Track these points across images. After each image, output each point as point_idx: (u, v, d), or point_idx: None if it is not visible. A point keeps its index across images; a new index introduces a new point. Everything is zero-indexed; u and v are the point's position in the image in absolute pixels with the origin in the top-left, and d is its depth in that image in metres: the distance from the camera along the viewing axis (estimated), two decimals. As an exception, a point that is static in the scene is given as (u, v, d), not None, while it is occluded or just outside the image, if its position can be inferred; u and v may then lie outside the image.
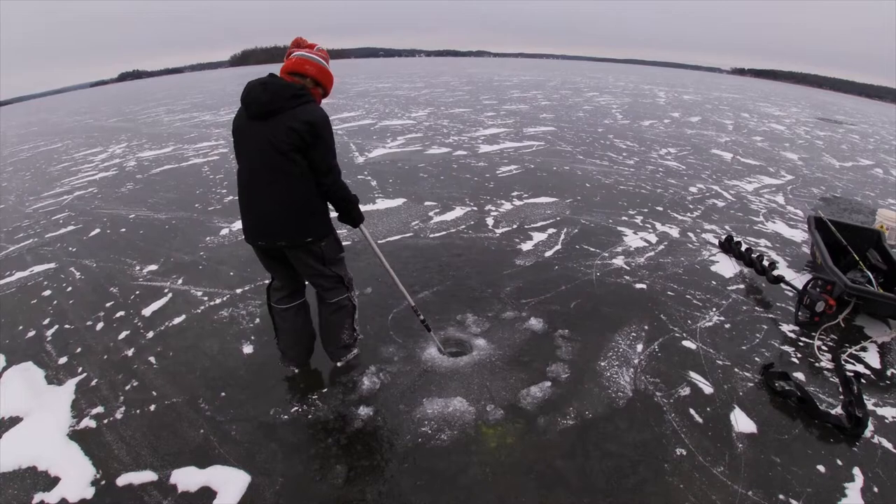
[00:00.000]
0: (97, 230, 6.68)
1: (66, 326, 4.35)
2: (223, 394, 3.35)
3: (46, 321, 4.46)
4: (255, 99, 2.78)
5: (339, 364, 3.61)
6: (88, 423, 3.18)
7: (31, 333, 4.28)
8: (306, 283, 3.41)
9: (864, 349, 4.00)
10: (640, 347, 3.82)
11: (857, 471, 2.81)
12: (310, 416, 3.10)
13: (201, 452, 2.88)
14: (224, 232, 6.20)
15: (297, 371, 3.58)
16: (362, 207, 3.30)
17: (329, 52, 3.15)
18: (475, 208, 6.92)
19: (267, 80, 2.82)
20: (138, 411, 3.24)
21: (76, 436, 3.08)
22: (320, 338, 3.55)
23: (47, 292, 5.00)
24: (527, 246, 5.65)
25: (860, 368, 3.75)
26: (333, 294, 3.31)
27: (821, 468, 2.81)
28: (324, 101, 3.14)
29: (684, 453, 2.85)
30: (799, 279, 4.91)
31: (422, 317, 3.64)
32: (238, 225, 6.35)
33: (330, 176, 2.96)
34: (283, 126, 2.72)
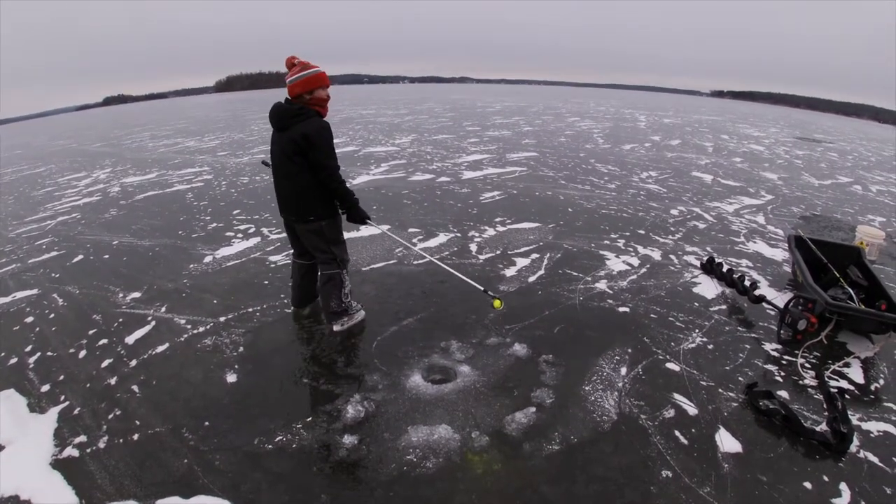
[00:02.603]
0: (80, 256, 6.62)
1: (49, 354, 4.30)
2: (207, 423, 3.31)
3: (29, 348, 4.40)
4: (272, 118, 3.92)
5: (335, 328, 4.38)
6: (71, 451, 3.13)
7: (14, 360, 4.22)
8: None
9: (847, 365, 4.05)
10: (623, 371, 3.84)
11: (843, 486, 2.84)
12: (294, 446, 3.08)
13: (185, 482, 2.85)
14: (207, 259, 6.17)
15: (292, 309, 4.80)
16: (346, 234, 3.95)
17: None
18: (459, 234, 6.95)
19: (278, 106, 3.89)
20: (121, 440, 3.20)
21: (59, 465, 3.04)
22: (320, 303, 4.48)
23: (30, 319, 4.94)
24: (510, 272, 5.67)
25: (844, 384, 3.80)
26: (325, 267, 4.23)
27: (807, 485, 2.83)
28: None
29: (670, 475, 2.86)
30: (780, 298, 4.96)
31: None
32: (221, 252, 6.41)
33: (323, 172, 3.83)
34: (289, 137, 3.78)
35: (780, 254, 6.50)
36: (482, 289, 4.40)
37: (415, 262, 5.90)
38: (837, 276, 5.03)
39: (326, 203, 4.02)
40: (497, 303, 4.15)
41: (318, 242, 4.13)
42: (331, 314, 4.35)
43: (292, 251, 4.56)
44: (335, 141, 3.96)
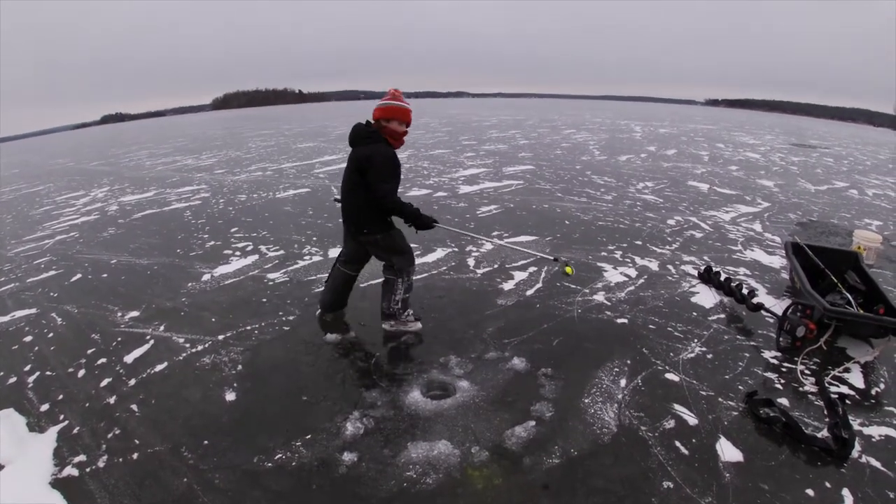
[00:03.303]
0: (79, 275, 6.62)
1: (48, 373, 4.29)
2: (206, 441, 3.30)
3: (28, 367, 4.39)
4: (350, 137, 4.27)
5: (383, 326, 4.68)
6: (71, 471, 3.11)
7: (13, 380, 4.21)
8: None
9: (847, 370, 4.05)
10: (623, 382, 3.83)
11: (846, 492, 2.83)
12: (294, 464, 3.07)
13: (185, 501, 2.83)
14: (206, 278, 6.17)
15: (318, 312, 5.00)
16: None
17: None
18: (456, 249, 6.95)
19: (356, 126, 4.27)
20: (121, 459, 3.19)
21: (59, 484, 3.02)
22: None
23: (28, 338, 4.93)
24: (508, 285, 5.67)
25: (844, 390, 3.79)
26: (385, 271, 4.58)
27: (810, 492, 2.82)
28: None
29: (671, 486, 2.85)
30: (779, 305, 4.96)
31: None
32: (219, 271, 6.40)
33: (377, 193, 4.08)
34: (355, 156, 4.15)
35: (777, 261, 6.51)
36: (552, 258, 4.89)
37: (413, 278, 5.87)
38: (835, 281, 5.04)
39: (380, 219, 4.29)
40: (569, 269, 4.51)
41: (378, 252, 4.48)
42: (384, 315, 4.64)
43: (340, 257, 4.78)
44: (403, 167, 4.32)
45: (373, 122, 4.27)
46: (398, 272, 4.47)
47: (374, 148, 4.08)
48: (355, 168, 4.11)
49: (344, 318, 4.95)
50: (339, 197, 4.59)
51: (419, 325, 4.71)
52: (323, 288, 5.12)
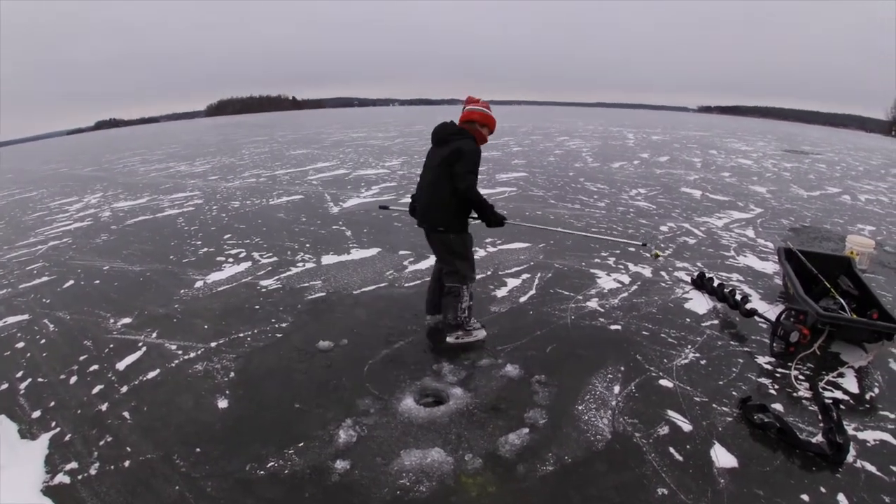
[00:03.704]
0: (71, 281, 6.58)
1: (40, 379, 4.26)
2: (198, 449, 3.28)
3: (20, 374, 4.37)
4: (434, 135, 4.43)
5: (448, 340, 4.52)
6: (62, 478, 3.10)
7: (4, 386, 4.19)
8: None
9: (841, 375, 4.07)
10: (617, 389, 3.83)
11: (842, 497, 2.84)
12: (286, 471, 3.05)
13: (177, 510, 2.81)
14: (198, 284, 6.14)
15: (426, 318, 4.92)
16: (337, 258, 3.86)
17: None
18: (450, 256, 6.89)
19: (443, 124, 4.44)
20: (112, 467, 3.17)
21: (50, 491, 3.01)
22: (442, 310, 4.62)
23: (20, 344, 4.91)
24: (501, 292, 5.67)
25: (839, 395, 3.81)
26: (448, 279, 4.44)
27: (805, 497, 2.83)
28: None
29: (666, 493, 2.85)
30: (772, 311, 4.98)
31: None
32: (212, 277, 6.38)
33: (463, 182, 4.12)
34: (447, 150, 4.21)
35: (770, 267, 6.53)
36: (640, 243, 5.19)
37: (406, 285, 5.89)
38: (828, 286, 5.06)
39: (458, 218, 4.35)
40: (657, 253, 4.96)
41: (444, 253, 4.44)
42: (447, 325, 4.56)
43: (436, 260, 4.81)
44: None
45: (459, 121, 4.46)
46: (462, 279, 4.41)
47: (465, 142, 4.23)
48: (444, 162, 4.20)
49: (345, 322, 4.94)
50: (385, 205, 4.96)
51: (484, 332, 4.66)
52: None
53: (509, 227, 4.72)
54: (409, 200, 4.74)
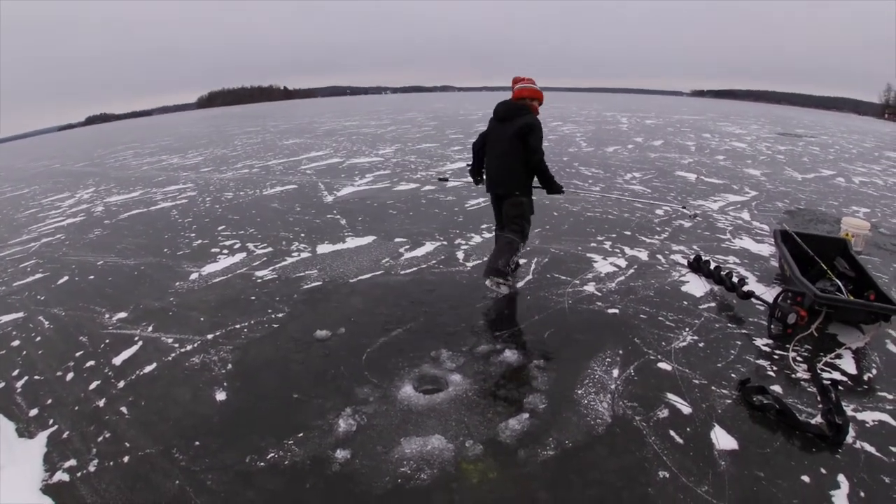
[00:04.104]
0: (65, 277, 6.54)
1: (36, 377, 4.23)
2: (197, 442, 3.26)
3: (16, 372, 4.33)
4: (500, 111, 5.02)
5: (487, 282, 5.00)
6: (62, 476, 3.08)
7: (0, 385, 4.16)
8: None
9: (839, 356, 4.06)
10: (615, 373, 3.82)
11: (841, 477, 2.84)
12: (286, 462, 3.03)
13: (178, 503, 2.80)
14: (193, 277, 6.11)
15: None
16: (332, 246, 4.07)
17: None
18: (445, 243, 6.93)
19: (506, 102, 5.03)
20: (111, 463, 3.14)
21: (50, 490, 2.98)
22: (489, 256, 5.16)
23: (16, 342, 4.87)
24: (498, 277, 5.62)
25: (837, 376, 3.80)
26: (511, 233, 5.08)
27: (805, 478, 2.83)
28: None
29: (667, 475, 2.85)
30: (769, 293, 4.97)
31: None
32: (207, 269, 6.35)
33: (535, 155, 4.81)
34: (514, 126, 4.82)
35: (766, 249, 6.53)
36: (680, 205, 5.67)
37: (402, 272, 5.87)
38: (825, 268, 5.05)
39: (527, 184, 5.06)
40: (696, 213, 5.46)
41: (514, 215, 5.06)
42: (493, 269, 4.94)
43: (496, 226, 5.50)
44: None
45: (514, 99, 5.04)
46: (524, 236, 5.12)
47: (532, 118, 4.86)
48: (515, 135, 4.79)
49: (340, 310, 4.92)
50: (445, 176, 5.79)
51: (517, 289, 5.33)
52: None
53: None
54: (467, 168, 5.59)
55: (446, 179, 6.52)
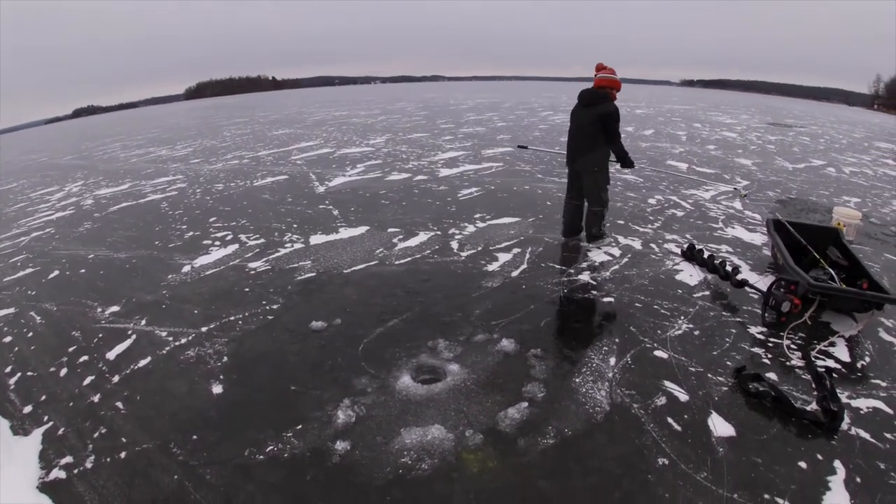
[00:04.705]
0: (56, 272, 6.47)
1: (29, 373, 4.19)
2: (195, 436, 3.25)
3: (8, 368, 4.29)
4: (584, 97, 5.89)
5: (591, 245, 6.26)
6: (58, 473, 3.05)
7: (-7, 382, 4.11)
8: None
9: (832, 344, 4.10)
10: (612, 361, 3.84)
11: (837, 463, 2.87)
12: (286, 455, 3.03)
13: (177, 499, 2.78)
14: (186, 269, 6.07)
15: (563, 239, 6.53)
16: (325, 237, 5.52)
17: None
18: (439, 233, 6.92)
19: (590, 90, 5.88)
20: (108, 459, 3.12)
21: (47, 487, 2.96)
22: (584, 227, 6.40)
23: (7, 338, 4.82)
24: (493, 267, 5.65)
25: (831, 363, 3.83)
26: (593, 204, 6.16)
27: (802, 464, 2.86)
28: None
29: (666, 462, 2.87)
30: (762, 281, 5.01)
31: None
32: (199, 261, 6.30)
33: (616, 137, 5.80)
34: (595, 111, 5.74)
35: (758, 238, 6.56)
36: (732, 187, 6.78)
37: (396, 262, 5.86)
38: (818, 257, 5.08)
39: (604, 160, 5.99)
40: (744, 193, 6.33)
41: (593, 186, 6.03)
42: (591, 236, 6.32)
43: (567, 194, 6.42)
44: None
45: (595, 87, 5.86)
46: (604, 203, 6.15)
47: (612, 105, 5.73)
48: (598, 120, 5.69)
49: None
50: (524, 144, 7.51)
51: (610, 238, 6.49)
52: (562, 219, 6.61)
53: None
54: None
55: (525, 147, 7.61)
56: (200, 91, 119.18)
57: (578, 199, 6.31)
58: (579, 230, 6.49)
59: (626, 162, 6.04)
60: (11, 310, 5.44)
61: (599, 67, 5.89)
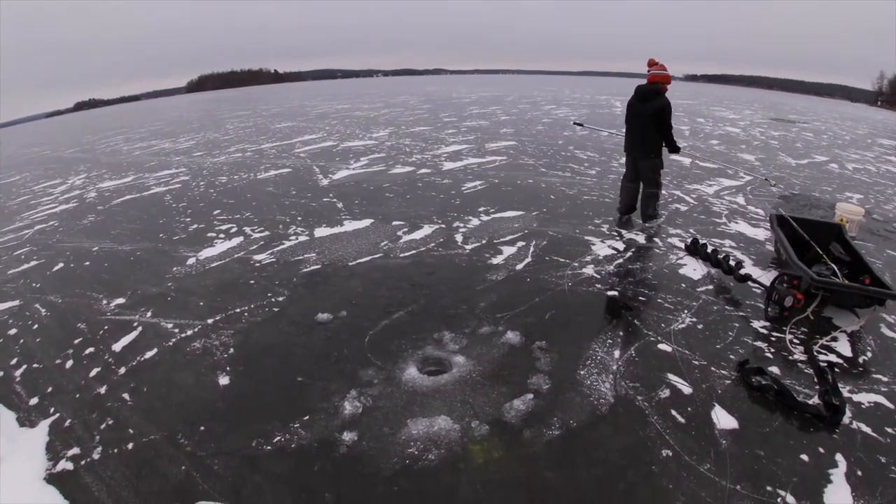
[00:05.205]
0: (61, 264, 6.49)
1: (35, 365, 4.21)
2: (202, 428, 3.27)
3: (14, 361, 4.30)
4: (641, 93, 6.46)
5: (646, 224, 6.84)
6: (65, 465, 3.07)
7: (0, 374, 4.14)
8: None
9: (834, 339, 4.11)
10: (617, 354, 3.86)
11: (839, 456, 2.90)
12: (293, 446, 3.05)
13: (184, 490, 2.81)
14: (191, 261, 6.09)
15: (620, 216, 7.15)
16: (330, 230, 5.94)
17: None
18: (443, 226, 6.93)
19: (645, 86, 6.45)
20: (116, 450, 3.14)
21: (54, 479, 2.98)
22: (640, 208, 6.89)
23: (13, 331, 4.83)
24: (497, 260, 5.67)
25: (833, 358, 3.85)
26: (649, 187, 6.72)
27: (804, 457, 2.89)
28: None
29: (670, 454, 2.89)
30: (766, 276, 5.02)
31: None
32: (204, 254, 6.32)
33: (669, 129, 6.37)
34: (651, 106, 6.31)
35: (762, 233, 6.57)
36: (762, 177, 7.69)
37: (401, 255, 5.88)
38: (820, 252, 5.09)
39: (658, 148, 6.52)
40: (773, 182, 7.25)
41: (649, 171, 6.61)
42: (647, 216, 6.84)
43: (625, 176, 6.99)
44: None
45: (649, 82, 6.44)
46: (659, 185, 6.75)
47: (665, 100, 6.30)
48: (653, 113, 6.27)
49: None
50: (580, 121, 8.31)
51: (663, 215, 7.22)
52: (619, 200, 7.18)
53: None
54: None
55: (581, 125, 8.25)
56: (202, 84, 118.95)
57: (635, 182, 6.86)
58: (634, 209, 7.04)
59: (674, 148, 6.53)
60: (16, 302, 5.46)
61: (651, 63, 6.45)
